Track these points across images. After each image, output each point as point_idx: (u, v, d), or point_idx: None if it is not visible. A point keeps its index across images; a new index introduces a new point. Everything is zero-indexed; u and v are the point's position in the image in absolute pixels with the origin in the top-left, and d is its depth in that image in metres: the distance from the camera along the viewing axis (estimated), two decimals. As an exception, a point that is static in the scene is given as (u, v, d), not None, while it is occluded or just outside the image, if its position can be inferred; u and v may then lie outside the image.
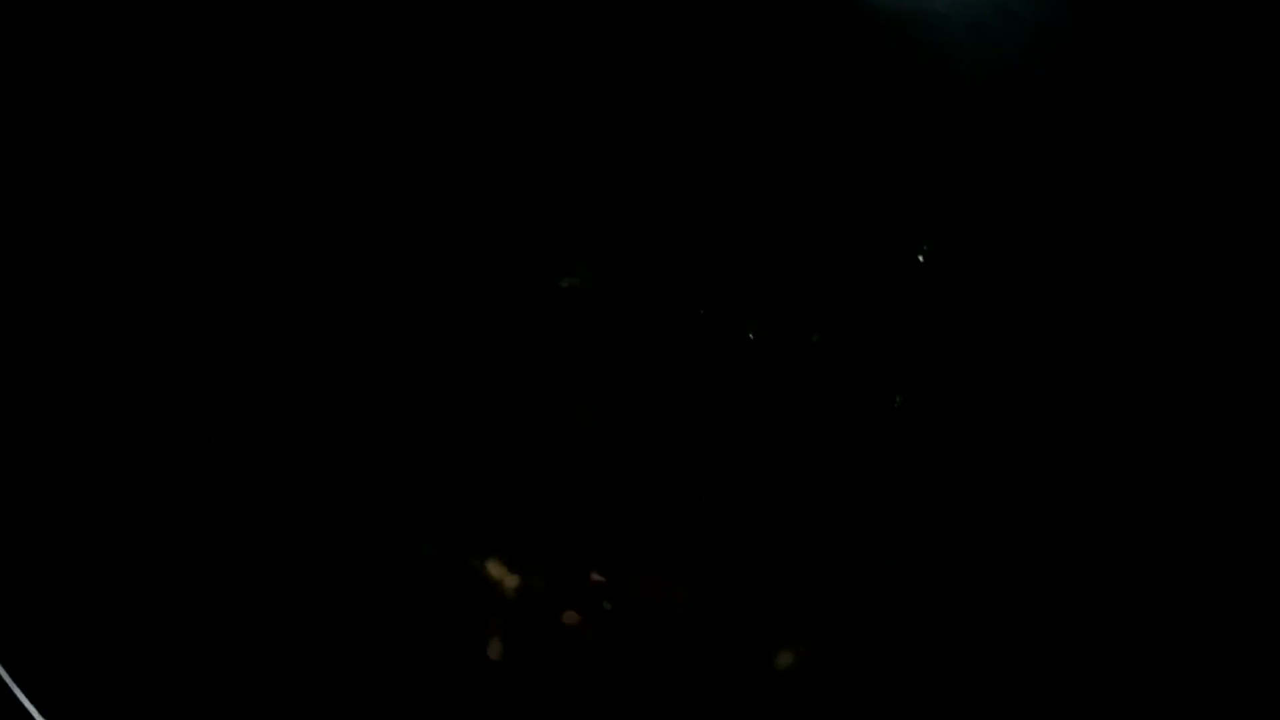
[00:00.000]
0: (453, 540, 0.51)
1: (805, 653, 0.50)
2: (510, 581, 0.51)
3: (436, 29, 0.56)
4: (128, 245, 0.51)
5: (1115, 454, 0.50)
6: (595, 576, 0.51)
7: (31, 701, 0.42)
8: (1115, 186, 0.52)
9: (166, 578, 0.47)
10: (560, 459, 0.52)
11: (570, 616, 0.50)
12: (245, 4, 0.53)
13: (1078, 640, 0.47)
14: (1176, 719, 0.44)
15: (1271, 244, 0.49)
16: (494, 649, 0.50)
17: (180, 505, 0.49)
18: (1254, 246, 0.50)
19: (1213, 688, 0.43)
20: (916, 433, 0.53)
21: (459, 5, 0.56)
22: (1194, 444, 0.49)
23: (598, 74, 0.56)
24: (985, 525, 0.51)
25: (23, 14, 0.49)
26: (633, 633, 0.50)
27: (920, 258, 0.55)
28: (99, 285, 0.50)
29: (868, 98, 0.56)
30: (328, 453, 0.52)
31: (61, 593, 0.44)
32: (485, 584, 0.51)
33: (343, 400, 0.53)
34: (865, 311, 0.54)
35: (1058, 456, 0.51)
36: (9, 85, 0.49)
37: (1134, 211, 0.52)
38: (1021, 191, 0.54)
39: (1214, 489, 0.47)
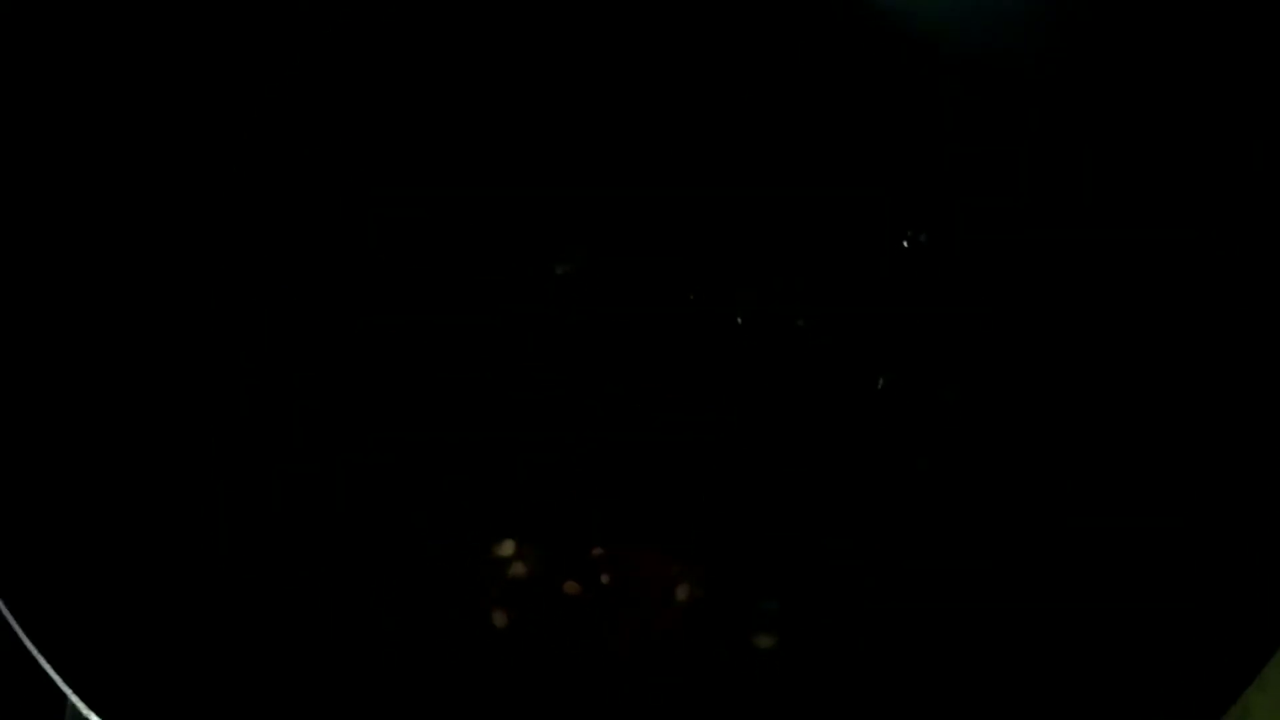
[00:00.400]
0: (457, 531, 0.51)
1: (790, 634, 0.50)
2: (516, 562, 0.51)
3: (436, 28, 0.56)
4: (127, 245, 0.51)
5: (1115, 454, 0.50)
6: (595, 550, 0.52)
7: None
8: (1115, 186, 0.52)
9: (165, 577, 0.47)
10: (561, 452, 0.53)
11: (571, 586, 0.51)
12: (245, 4, 0.53)
13: (1077, 639, 0.47)
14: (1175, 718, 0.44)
15: (1272, 244, 0.49)
16: (499, 618, 0.51)
17: (180, 505, 0.49)
18: (1254, 246, 0.50)
19: (1212, 687, 0.43)
20: (916, 431, 0.53)
21: (459, 5, 0.56)
22: (1194, 444, 0.49)
23: (596, 73, 0.56)
24: (985, 524, 0.51)
25: (23, 14, 0.49)
26: (629, 602, 0.51)
27: (918, 257, 0.55)
28: (99, 285, 0.50)
29: (867, 97, 0.56)
30: (328, 453, 0.52)
31: (60, 593, 0.44)
32: (489, 561, 0.51)
33: (343, 400, 0.53)
34: (864, 311, 0.54)
35: (1057, 456, 0.51)
36: (9, 85, 0.49)
37: (1134, 211, 0.52)
38: (1021, 191, 0.54)
39: (1214, 489, 0.47)
